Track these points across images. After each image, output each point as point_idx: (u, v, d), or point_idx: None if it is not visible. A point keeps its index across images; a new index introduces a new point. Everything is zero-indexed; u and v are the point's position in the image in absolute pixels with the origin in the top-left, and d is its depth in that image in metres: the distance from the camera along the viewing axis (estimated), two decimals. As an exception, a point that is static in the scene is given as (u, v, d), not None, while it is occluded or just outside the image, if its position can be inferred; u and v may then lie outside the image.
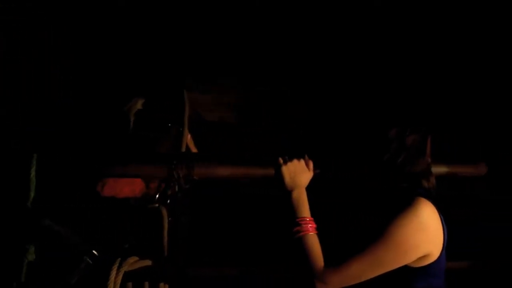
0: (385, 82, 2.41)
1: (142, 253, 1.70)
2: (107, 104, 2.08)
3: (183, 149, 1.92)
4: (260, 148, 2.40)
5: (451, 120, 2.39)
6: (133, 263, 1.65)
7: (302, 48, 2.52)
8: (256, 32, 2.48)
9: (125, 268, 1.61)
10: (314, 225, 1.63)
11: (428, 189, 1.59)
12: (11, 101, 2.22)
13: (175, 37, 2.45)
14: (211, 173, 1.76)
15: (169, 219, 1.74)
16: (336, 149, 1.72)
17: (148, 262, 1.69)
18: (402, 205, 1.52)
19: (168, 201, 1.75)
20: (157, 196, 1.77)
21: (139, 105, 1.94)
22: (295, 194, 1.67)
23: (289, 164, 1.70)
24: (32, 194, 1.62)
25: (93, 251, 1.64)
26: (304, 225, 1.61)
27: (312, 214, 1.66)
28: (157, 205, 1.74)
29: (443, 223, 1.56)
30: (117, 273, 1.58)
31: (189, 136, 1.98)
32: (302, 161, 1.72)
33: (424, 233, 1.49)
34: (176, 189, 1.73)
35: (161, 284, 1.67)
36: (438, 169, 1.80)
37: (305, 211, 1.65)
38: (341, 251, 1.54)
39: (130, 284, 1.64)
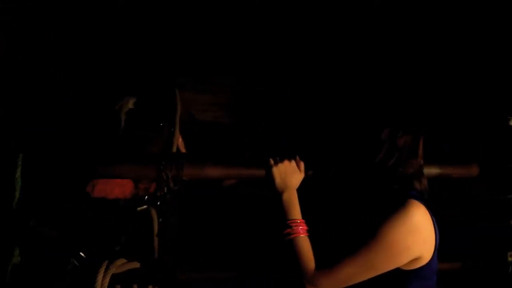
0: (385, 82, 2.40)
1: (131, 255, 1.68)
2: (98, 103, 2.05)
3: (174, 150, 1.90)
4: (260, 148, 2.39)
5: (445, 120, 2.39)
6: (121, 265, 1.62)
7: (301, 48, 2.51)
8: (255, 32, 2.47)
9: (113, 270, 1.59)
10: (306, 227, 1.61)
11: (420, 191, 1.58)
12: (11, 101, 2.20)
13: (175, 37, 2.44)
14: (200, 173, 1.73)
15: (159, 220, 1.72)
16: (335, 149, 1.70)
17: (136, 264, 1.67)
18: (394, 207, 1.51)
19: (158, 202, 1.73)
20: (146, 197, 1.75)
21: (130, 104, 1.92)
22: (285, 196, 1.65)
23: (279, 165, 1.68)
24: (17, 194, 1.59)
25: (80, 253, 1.61)
26: (294, 227, 1.59)
27: (304, 216, 1.64)
28: (145, 206, 1.72)
29: (435, 225, 1.55)
30: (104, 276, 1.56)
31: (180, 138, 1.95)
32: (293, 162, 1.70)
33: (415, 235, 1.48)
34: (165, 190, 1.70)
35: (150, 287, 1.65)
36: (430, 171, 1.78)
37: (296, 213, 1.63)
38: (332, 253, 1.53)
39: (118, 287, 1.62)
